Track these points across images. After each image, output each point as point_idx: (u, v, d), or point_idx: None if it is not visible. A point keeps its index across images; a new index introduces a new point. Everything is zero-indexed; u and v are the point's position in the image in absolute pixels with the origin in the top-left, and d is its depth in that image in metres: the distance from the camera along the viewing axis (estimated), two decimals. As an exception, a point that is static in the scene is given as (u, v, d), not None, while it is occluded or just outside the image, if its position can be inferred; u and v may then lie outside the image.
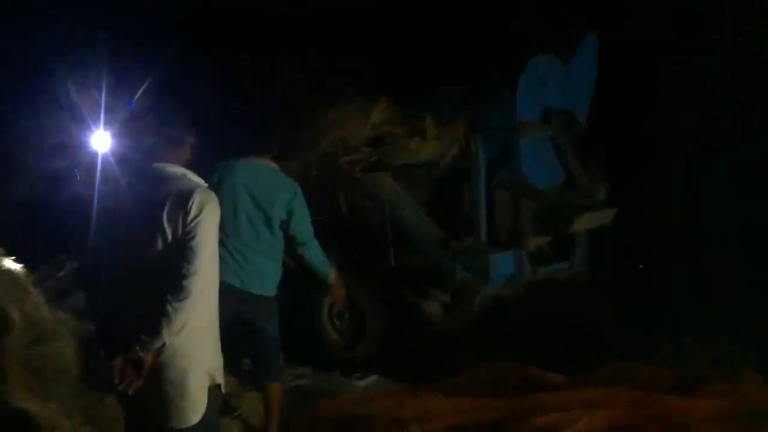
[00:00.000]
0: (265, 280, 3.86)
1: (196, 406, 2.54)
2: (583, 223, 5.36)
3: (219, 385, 2.65)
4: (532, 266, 5.34)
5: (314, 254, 3.98)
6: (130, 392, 2.43)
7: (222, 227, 3.50)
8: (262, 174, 3.83)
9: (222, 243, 3.50)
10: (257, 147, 3.87)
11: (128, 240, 2.54)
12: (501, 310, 5.33)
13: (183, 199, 2.49)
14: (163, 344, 2.44)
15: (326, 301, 5.79)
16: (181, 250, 2.46)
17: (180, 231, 2.47)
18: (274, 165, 3.88)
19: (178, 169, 2.62)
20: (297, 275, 5.90)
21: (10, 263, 3.89)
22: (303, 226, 3.90)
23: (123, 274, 2.55)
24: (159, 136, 2.64)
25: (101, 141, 4.87)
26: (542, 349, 4.90)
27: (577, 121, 5.56)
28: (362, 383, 5.11)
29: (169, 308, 2.41)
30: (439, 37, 5.45)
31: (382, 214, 5.52)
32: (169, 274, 2.45)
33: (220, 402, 2.73)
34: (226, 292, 3.50)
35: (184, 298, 2.42)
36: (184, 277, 2.43)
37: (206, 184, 2.66)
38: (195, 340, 2.53)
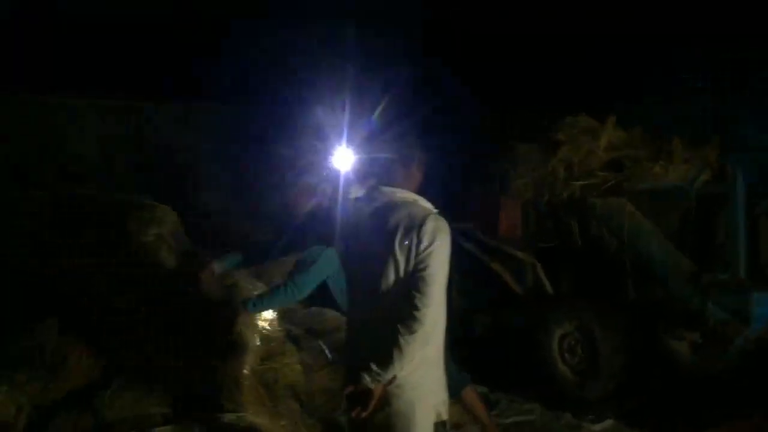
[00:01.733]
0: None
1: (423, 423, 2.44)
2: None
3: (444, 422, 2.52)
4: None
5: None
6: (356, 420, 2.38)
7: None
8: None
9: None
10: None
11: (360, 266, 2.53)
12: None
13: (415, 226, 2.39)
14: (394, 376, 2.36)
15: (557, 333, 5.44)
16: (414, 280, 2.36)
17: (412, 260, 2.37)
18: None
19: (409, 195, 2.52)
20: (528, 304, 5.75)
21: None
22: None
23: (357, 298, 2.55)
24: (391, 155, 2.56)
25: (343, 160, 4.97)
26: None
27: None
28: (596, 427, 4.68)
29: (402, 340, 2.32)
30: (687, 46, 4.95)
31: (620, 243, 5.05)
32: (401, 304, 2.36)
33: None
34: None
35: (416, 330, 2.32)
36: (417, 308, 2.33)
37: (436, 211, 2.53)
38: (423, 373, 2.44)
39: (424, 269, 2.36)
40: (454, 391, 3.70)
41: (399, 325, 2.33)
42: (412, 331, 2.32)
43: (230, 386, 3.48)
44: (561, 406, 5.00)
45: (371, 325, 2.47)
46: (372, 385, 2.34)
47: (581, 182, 5.11)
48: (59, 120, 7.19)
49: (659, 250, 4.95)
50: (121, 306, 3.85)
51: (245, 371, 3.60)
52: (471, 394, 3.82)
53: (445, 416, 2.53)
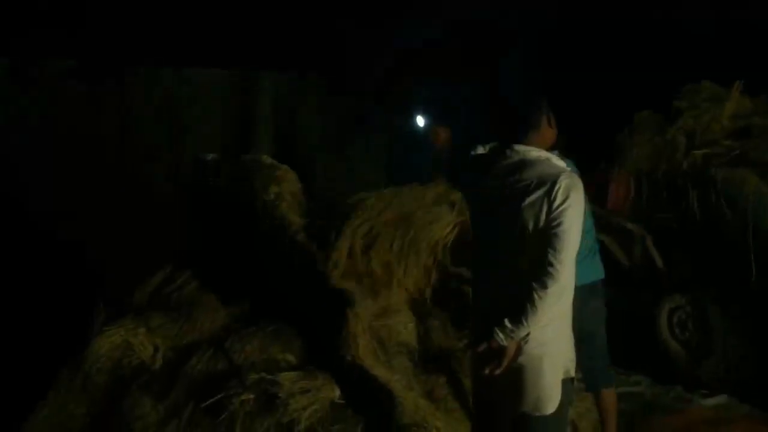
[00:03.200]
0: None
1: (551, 397, 2.46)
2: None
3: (572, 379, 2.54)
4: None
5: None
6: (483, 377, 2.45)
7: None
8: None
9: None
10: None
11: (489, 223, 2.55)
12: None
13: (548, 183, 2.39)
14: (528, 334, 2.39)
15: (666, 306, 5.30)
16: (548, 237, 2.37)
17: (543, 218, 2.38)
18: None
19: (542, 153, 2.52)
20: (637, 277, 5.62)
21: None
22: None
23: (489, 257, 2.57)
24: (515, 118, 2.56)
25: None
26: None
27: None
28: (708, 402, 4.56)
29: (536, 297, 2.34)
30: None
31: (743, 218, 4.84)
32: (536, 261, 2.38)
33: (573, 396, 2.64)
34: None
35: (550, 287, 2.34)
36: (552, 265, 2.34)
37: (569, 169, 2.53)
38: (552, 330, 2.45)
39: (558, 226, 2.35)
40: (592, 385, 3.71)
41: (534, 282, 2.35)
42: (546, 287, 2.33)
43: (348, 339, 3.61)
44: (671, 380, 4.90)
45: (500, 284, 2.50)
46: (506, 342, 2.39)
47: (703, 151, 4.91)
48: (186, 91, 7.49)
49: (787, 227, 4.72)
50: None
51: (361, 326, 3.72)
52: (611, 397, 3.73)
53: (572, 373, 2.54)
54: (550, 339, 2.45)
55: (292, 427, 3.06)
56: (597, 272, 3.67)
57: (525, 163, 2.48)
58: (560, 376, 2.49)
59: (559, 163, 2.53)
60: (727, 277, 5.01)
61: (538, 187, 2.40)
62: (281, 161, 4.74)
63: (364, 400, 3.25)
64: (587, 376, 3.69)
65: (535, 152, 2.50)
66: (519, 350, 2.43)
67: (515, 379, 2.46)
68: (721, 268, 5.08)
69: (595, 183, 5.70)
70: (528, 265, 2.39)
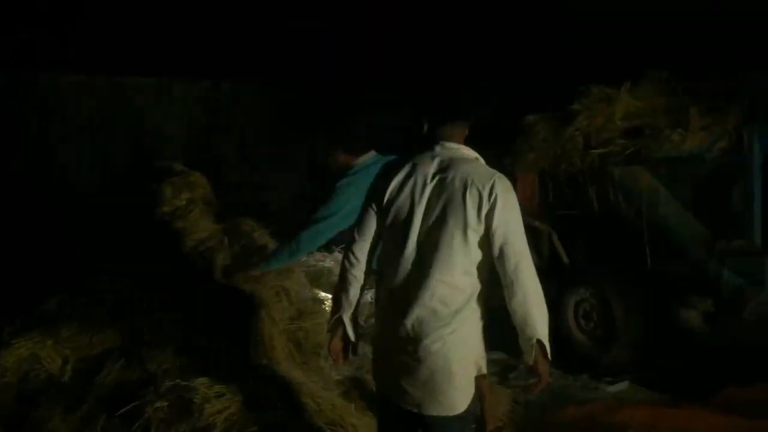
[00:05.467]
0: None
1: (465, 396, 2.47)
2: None
3: (484, 376, 2.56)
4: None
5: None
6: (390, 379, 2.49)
7: None
8: None
9: None
10: None
11: (408, 220, 2.45)
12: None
13: (486, 183, 2.38)
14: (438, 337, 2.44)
15: (572, 299, 5.57)
16: (503, 242, 2.39)
17: (482, 218, 2.37)
18: None
19: (471, 152, 2.51)
20: (545, 272, 5.87)
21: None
22: None
23: (398, 257, 2.47)
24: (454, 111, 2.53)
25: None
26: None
27: None
28: (612, 389, 4.82)
29: (536, 298, 2.49)
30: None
31: (638, 211, 5.15)
32: (483, 263, 2.45)
33: (485, 392, 2.75)
34: None
35: (537, 282, 2.49)
36: (526, 263, 2.46)
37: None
38: (464, 329, 2.47)
39: (506, 227, 2.37)
40: None
41: (523, 289, 2.39)
42: (537, 285, 2.44)
43: (263, 342, 3.64)
44: (579, 369, 5.14)
45: (418, 286, 2.40)
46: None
47: (599, 150, 5.18)
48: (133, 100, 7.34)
49: (676, 218, 5.04)
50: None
51: (276, 329, 3.75)
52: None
53: (484, 370, 2.55)
54: (461, 339, 2.45)
55: (208, 431, 3.06)
56: None
57: (458, 161, 2.44)
58: (473, 374, 2.50)
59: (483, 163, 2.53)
60: (626, 267, 5.31)
61: (474, 185, 2.37)
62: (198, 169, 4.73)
63: (280, 401, 3.28)
64: None
65: (465, 150, 2.50)
66: (431, 353, 2.40)
67: (429, 383, 2.42)
68: (620, 260, 5.38)
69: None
70: (460, 269, 2.38)
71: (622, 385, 4.85)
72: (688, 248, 5.00)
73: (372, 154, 3.99)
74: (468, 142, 2.59)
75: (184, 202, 4.26)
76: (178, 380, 3.18)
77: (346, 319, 2.56)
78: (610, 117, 5.20)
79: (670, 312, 5.21)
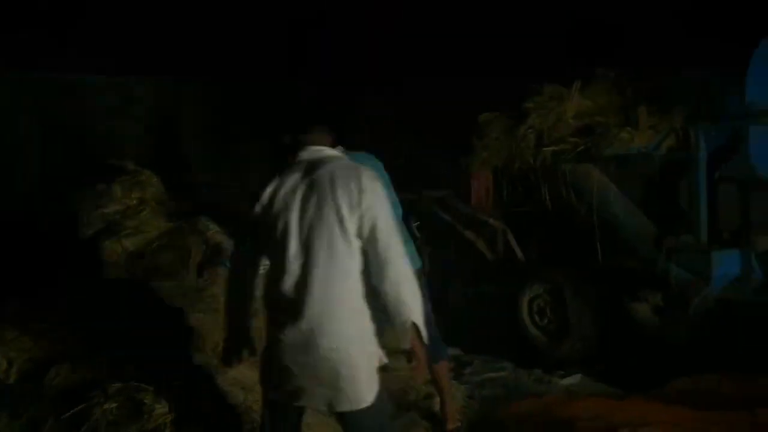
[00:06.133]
0: None
1: (370, 388, 2.48)
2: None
3: (386, 366, 2.58)
4: (762, 268, 4.77)
5: None
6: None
7: None
8: None
9: None
10: None
11: (287, 222, 2.48)
12: (727, 315, 4.82)
13: (353, 176, 2.46)
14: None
15: (527, 295, 5.65)
16: (378, 232, 2.43)
17: (356, 209, 2.42)
18: None
19: (334, 151, 2.61)
20: (501, 269, 5.96)
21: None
22: None
23: (283, 258, 2.47)
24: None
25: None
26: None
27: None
28: (564, 381, 4.91)
29: (409, 286, 2.44)
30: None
31: (588, 208, 5.25)
32: (355, 252, 2.46)
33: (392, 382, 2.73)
34: None
35: (410, 270, 2.47)
36: (399, 252, 2.44)
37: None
38: (356, 323, 2.47)
39: (374, 211, 2.41)
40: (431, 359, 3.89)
41: (395, 270, 2.38)
42: (408, 268, 2.43)
43: (204, 342, 3.62)
44: (532, 364, 5.22)
45: (308, 287, 2.40)
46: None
47: (551, 148, 5.27)
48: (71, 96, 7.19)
49: (625, 214, 5.16)
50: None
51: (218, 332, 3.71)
52: (443, 370, 3.90)
53: (385, 360, 2.55)
54: (358, 333, 2.45)
55: (157, 433, 3.03)
56: (415, 261, 3.86)
57: (324, 160, 2.54)
58: (375, 366, 2.51)
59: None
60: (578, 263, 5.41)
61: (343, 179, 2.44)
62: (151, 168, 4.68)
63: (228, 401, 3.27)
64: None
65: (328, 151, 2.59)
66: (330, 349, 2.41)
67: (334, 380, 2.43)
68: (573, 256, 5.48)
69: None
70: (340, 260, 2.42)
71: (575, 379, 4.93)
72: (637, 244, 5.12)
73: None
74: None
75: (134, 201, 4.20)
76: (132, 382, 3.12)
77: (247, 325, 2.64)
78: (561, 116, 5.30)
79: (622, 306, 5.32)
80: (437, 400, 4.10)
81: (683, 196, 5.06)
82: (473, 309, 6.06)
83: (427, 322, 2.55)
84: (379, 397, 2.50)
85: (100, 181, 4.49)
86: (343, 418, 2.53)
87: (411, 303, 2.41)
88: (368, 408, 2.47)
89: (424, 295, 2.64)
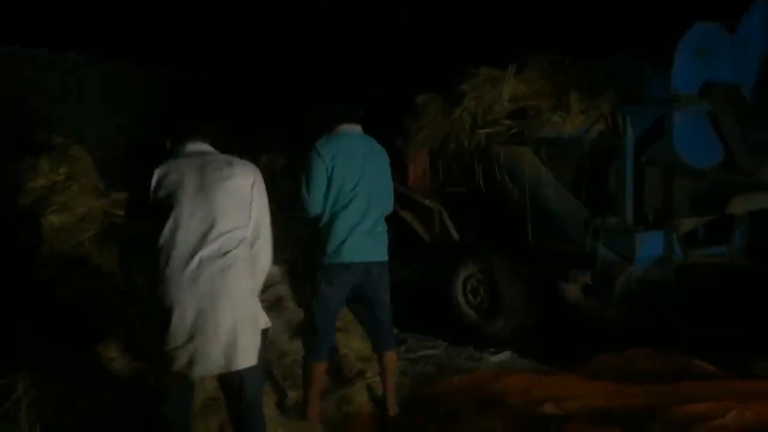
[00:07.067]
0: (381, 244, 3.88)
1: (258, 347, 2.75)
2: (741, 205, 4.93)
3: (268, 329, 2.87)
4: (683, 249, 4.98)
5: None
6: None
7: (336, 199, 3.63)
8: (362, 140, 3.85)
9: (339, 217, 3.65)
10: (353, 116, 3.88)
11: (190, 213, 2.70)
12: (649, 294, 5.02)
13: (236, 164, 2.81)
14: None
15: (461, 274, 5.76)
16: (256, 213, 2.84)
17: (247, 196, 2.78)
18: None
19: (206, 145, 2.88)
20: (436, 248, 6.05)
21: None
22: (390, 189, 4.02)
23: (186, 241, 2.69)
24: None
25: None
26: (692, 336, 4.59)
27: (742, 97, 5.12)
28: (495, 358, 5.05)
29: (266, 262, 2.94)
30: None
31: (521, 190, 5.37)
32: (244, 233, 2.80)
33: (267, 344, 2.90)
34: (349, 267, 3.69)
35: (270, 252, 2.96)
36: (268, 238, 2.89)
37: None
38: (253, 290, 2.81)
39: (260, 201, 2.79)
40: (378, 347, 3.95)
41: (257, 253, 2.77)
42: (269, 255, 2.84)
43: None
44: (465, 341, 5.34)
45: (196, 256, 2.63)
46: None
47: (486, 131, 5.35)
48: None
49: (556, 196, 5.29)
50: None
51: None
52: (391, 358, 3.97)
53: (269, 323, 2.89)
54: (247, 295, 2.74)
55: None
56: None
57: (206, 153, 2.84)
58: (260, 327, 2.80)
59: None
60: (511, 244, 5.54)
61: (232, 169, 2.77)
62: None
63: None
64: (374, 339, 3.96)
65: (204, 146, 2.87)
66: (225, 312, 2.65)
67: (230, 341, 2.66)
68: (506, 236, 5.60)
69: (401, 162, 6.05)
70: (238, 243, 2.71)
71: (505, 356, 5.07)
72: (567, 226, 5.26)
73: None
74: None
75: (62, 177, 4.08)
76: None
77: None
78: (496, 99, 5.38)
79: (552, 286, 5.47)
80: (370, 377, 4.17)
81: (611, 179, 5.22)
82: (408, 288, 6.14)
83: None
84: (261, 356, 2.78)
85: (30, 155, 4.35)
86: (238, 379, 2.73)
87: (265, 263, 2.84)
88: (257, 366, 2.76)
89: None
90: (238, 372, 2.70)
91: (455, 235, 5.98)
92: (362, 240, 3.72)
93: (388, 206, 3.99)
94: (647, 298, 5.11)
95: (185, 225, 2.61)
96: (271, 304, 4.41)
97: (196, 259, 2.59)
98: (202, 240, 2.61)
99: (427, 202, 6.02)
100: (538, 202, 5.32)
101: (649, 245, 4.96)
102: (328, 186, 3.65)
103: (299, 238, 4.43)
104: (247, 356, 2.70)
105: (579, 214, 5.20)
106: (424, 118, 5.71)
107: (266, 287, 5.21)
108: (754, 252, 5.24)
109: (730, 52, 5.07)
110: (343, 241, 3.66)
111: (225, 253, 2.64)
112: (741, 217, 5.15)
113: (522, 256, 5.51)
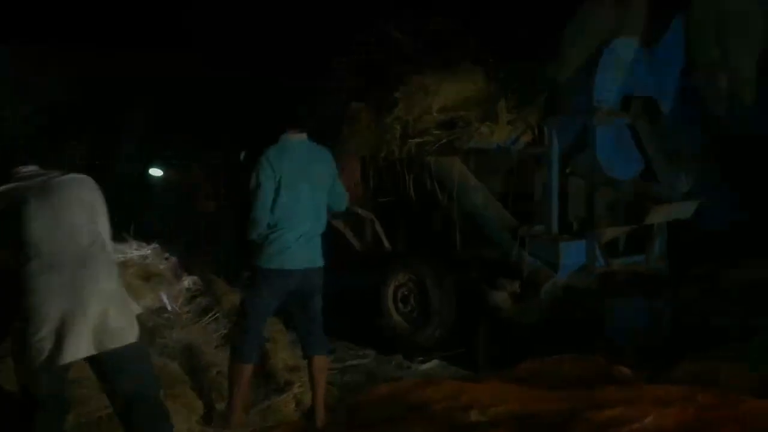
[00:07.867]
0: (319, 250, 3.87)
1: (130, 326, 2.83)
2: (660, 215, 5.13)
3: (140, 313, 3.04)
4: (605, 257, 5.13)
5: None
6: None
7: (285, 208, 3.56)
8: (307, 147, 3.81)
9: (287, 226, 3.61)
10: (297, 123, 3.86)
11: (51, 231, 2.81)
12: (572, 301, 5.13)
13: (85, 181, 2.94)
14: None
15: (392, 284, 5.77)
16: (102, 229, 2.94)
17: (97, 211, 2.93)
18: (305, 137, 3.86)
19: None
20: (368, 258, 6.05)
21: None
22: (341, 189, 3.97)
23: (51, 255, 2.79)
24: None
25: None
26: (613, 342, 4.71)
27: (660, 110, 5.32)
28: (423, 367, 5.07)
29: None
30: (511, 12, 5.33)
31: (450, 199, 5.44)
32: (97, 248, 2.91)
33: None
34: (291, 273, 3.67)
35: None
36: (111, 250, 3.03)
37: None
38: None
39: (104, 216, 2.91)
40: (309, 350, 3.91)
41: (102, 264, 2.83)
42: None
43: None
44: (394, 350, 5.34)
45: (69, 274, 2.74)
46: None
47: (416, 140, 5.39)
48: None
49: (484, 206, 5.38)
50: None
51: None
52: (321, 362, 3.94)
53: (140, 309, 3.09)
54: (113, 282, 2.87)
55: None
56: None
57: (51, 176, 2.91)
58: (134, 311, 2.93)
59: None
60: (441, 252, 5.59)
61: (80, 188, 2.91)
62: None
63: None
64: (306, 343, 3.93)
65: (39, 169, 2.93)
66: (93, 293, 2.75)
67: (100, 321, 2.73)
68: (435, 245, 5.66)
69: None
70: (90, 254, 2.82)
71: (432, 364, 5.11)
72: (495, 234, 5.36)
73: None
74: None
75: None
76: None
77: None
78: (427, 108, 5.42)
79: (481, 294, 5.54)
80: (297, 387, 4.13)
81: (537, 189, 5.35)
82: (338, 297, 6.11)
83: None
84: (141, 339, 2.87)
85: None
86: (114, 358, 2.76)
87: None
88: (133, 345, 2.80)
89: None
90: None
91: (387, 245, 6.00)
92: (305, 247, 3.73)
93: (342, 206, 4.06)
94: (572, 305, 5.23)
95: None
96: (195, 313, 4.33)
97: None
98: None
99: (359, 210, 6.01)
100: (467, 211, 5.39)
101: (573, 253, 5.09)
102: (275, 196, 3.62)
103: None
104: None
105: (506, 223, 5.30)
106: (357, 125, 5.70)
107: (192, 297, 5.18)
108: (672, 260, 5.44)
109: (650, 66, 5.26)
110: (288, 248, 3.66)
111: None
112: (659, 226, 5.34)
113: (451, 264, 5.56)
